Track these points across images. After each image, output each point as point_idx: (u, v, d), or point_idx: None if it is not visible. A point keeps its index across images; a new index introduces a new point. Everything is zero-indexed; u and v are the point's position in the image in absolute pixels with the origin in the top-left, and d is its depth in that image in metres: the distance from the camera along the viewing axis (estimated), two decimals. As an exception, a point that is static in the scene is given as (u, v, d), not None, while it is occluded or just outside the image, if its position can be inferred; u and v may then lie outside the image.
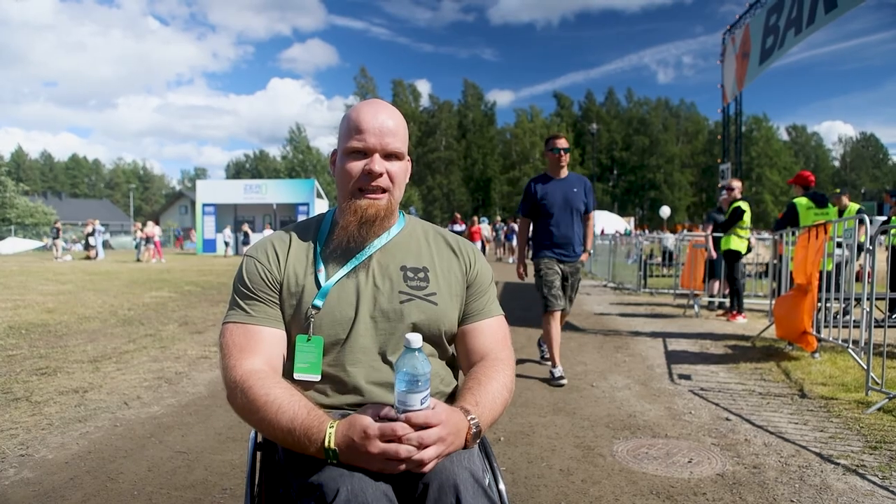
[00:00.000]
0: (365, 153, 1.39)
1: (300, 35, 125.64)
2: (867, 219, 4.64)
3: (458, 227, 22.66)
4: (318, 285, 1.40)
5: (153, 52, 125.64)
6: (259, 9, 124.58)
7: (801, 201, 6.88)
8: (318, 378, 1.39)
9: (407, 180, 1.51)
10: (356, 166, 1.39)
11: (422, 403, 1.16)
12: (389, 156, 1.41)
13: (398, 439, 1.13)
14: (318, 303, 1.38)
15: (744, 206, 7.88)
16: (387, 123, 1.40)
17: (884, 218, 7.36)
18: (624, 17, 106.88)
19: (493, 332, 1.52)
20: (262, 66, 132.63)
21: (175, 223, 51.52)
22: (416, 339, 1.16)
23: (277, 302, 1.42)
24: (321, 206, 28.54)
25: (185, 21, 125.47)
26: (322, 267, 1.43)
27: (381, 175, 1.39)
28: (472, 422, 1.26)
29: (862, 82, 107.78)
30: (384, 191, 1.42)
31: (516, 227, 29.71)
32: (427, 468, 1.16)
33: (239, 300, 1.42)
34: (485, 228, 25.26)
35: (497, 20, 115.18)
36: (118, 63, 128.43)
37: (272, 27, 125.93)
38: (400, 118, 1.45)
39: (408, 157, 1.49)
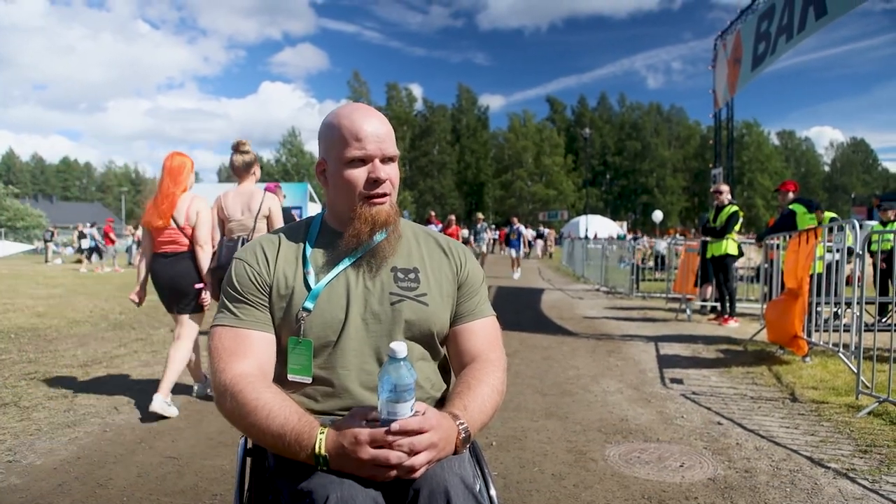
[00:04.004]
0: (364, 160, 1.39)
1: (291, 39, 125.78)
2: (857, 224, 4.68)
3: (433, 228, 18.37)
4: (308, 287, 1.40)
5: (143, 56, 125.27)
6: (249, 13, 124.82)
7: (799, 208, 6.94)
8: (309, 380, 1.38)
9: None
10: (360, 174, 1.39)
11: (410, 412, 1.16)
12: (386, 160, 1.41)
13: (389, 445, 1.13)
14: (309, 305, 1.38)
15: (740, 210, 8.04)
16: (381, 129, 1.40)
17: (874, 223, 7.44)
18: (612, 23, 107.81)
19: (485, 333, 1.51)
20: (253, 70, 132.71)
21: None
22: (401, 348, 1.15)
23: (267, 305, 1.41)
24: (314, 210, 28.46)
25: (175, 25, 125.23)
26: (311, 269, 1.42)
27: (385, 181, 1.40)
28: (461, 427, 1.25)
29: (851, 88, 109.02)
30: (387, 195, 1.42)
31: (523, 229, 18.58)
32: (417, 475, 1.16)
33: (228, 303, 1.41)
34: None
35: (486, 25, 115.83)
36: (108, 66, 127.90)
37: (262, 31, 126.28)
38: (387, 121, 1.46)
39: None
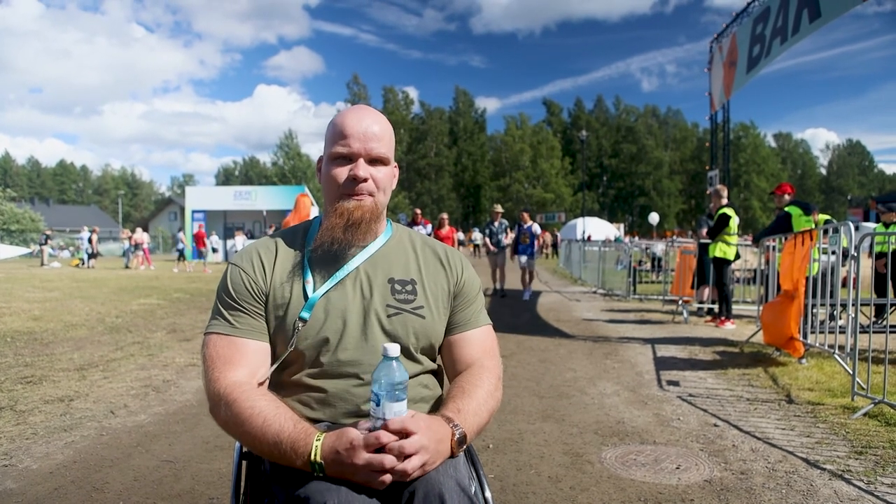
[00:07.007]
0: (349, 158, 1.39)
1: (286, 43, 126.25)
2: (851, 226, 4.70)
3: (421, 229, 12.25)
4: (306, 296, 1.38)
5: (139, 59, 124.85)
6: (243, 17, 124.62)
7: (795, 210, 6.95)
8: None
9: (393, 187, 1.50)
10: (341, 172, 1.39)
11: (406, 410, 1.16)
12: (374, 161, 1.40)
13: (384, 448, 1.12)
14: (305, 315, 1.36)
15: (729, 212, 7.94)
16: (372, 129, 1.39)
17: (871, 225, 7.46)
18: (605, 26, 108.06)
19: (480, 342, 1.51)
20: (249, 74, 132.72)
21: (165, 229, 51.13)
22: (393, 348, 1.16)
23: (262, 313, 1.40)
24: (311, 213, 28.50)
25: (170, 29, 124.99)
26: (310, 277, 1.41)
27: (365, 180, 1.38)
28: (455, 429, 1.25)
29: (846, 90, 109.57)
30: (369, 195, 1.41)
31: (537, 228, 12.00)
32: (411, 477, 1.15)
33: (223, 310, 1.39)
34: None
35: (480, 29, 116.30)
36: (103, 70, 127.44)
37: (257, 35, 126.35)
38: (386, 123, 1.44)
39: (394, 164, 1.48)
